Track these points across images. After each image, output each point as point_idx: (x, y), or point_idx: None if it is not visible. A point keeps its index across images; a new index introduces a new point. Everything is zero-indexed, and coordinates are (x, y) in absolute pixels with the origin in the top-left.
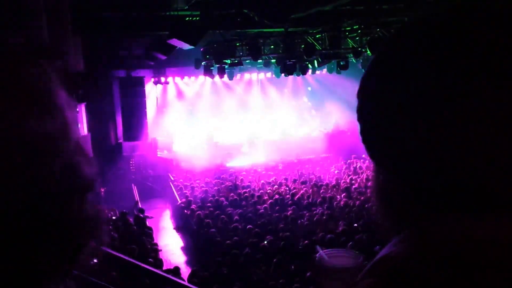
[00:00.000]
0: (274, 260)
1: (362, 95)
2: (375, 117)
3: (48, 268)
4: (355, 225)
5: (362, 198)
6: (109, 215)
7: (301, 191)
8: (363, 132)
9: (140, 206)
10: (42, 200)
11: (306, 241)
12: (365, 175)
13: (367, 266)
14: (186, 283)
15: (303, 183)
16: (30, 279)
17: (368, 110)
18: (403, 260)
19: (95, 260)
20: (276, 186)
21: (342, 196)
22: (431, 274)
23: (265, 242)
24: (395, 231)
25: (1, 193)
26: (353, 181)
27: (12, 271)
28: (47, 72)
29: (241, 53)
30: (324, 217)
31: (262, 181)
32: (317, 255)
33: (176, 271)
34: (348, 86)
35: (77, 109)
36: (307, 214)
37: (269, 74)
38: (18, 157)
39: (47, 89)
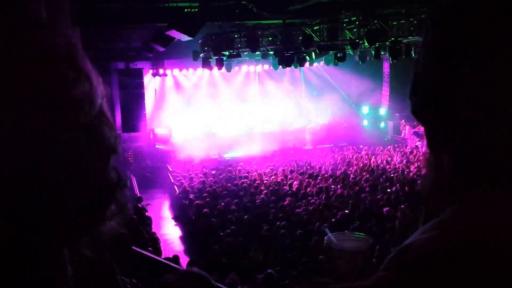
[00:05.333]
0: (271, 249)
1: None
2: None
3: (70, 228)
4: (346, 211)
5: (357, 188)
6: None
7: (298, 182)
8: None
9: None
10: (65, 160)
11: (301, 231)
12: (360, 165)
13: (391, 254)
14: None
15: (300, 173)
16: (54, 237)
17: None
18: (423, 254)
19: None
20: (273, 177)
21: (338, 186)
22: (449, 272)
23: (262, 231)
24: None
25: (26, 152)
26: (348, 172)
27: (34, 229)
28: (73, 41)
29: (239, 45)
30: (320, 207)
31: (259, 172)
32: (325, 237)
33: (175, 259)
34: (345, 78)
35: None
36: (303, 204)
37: (266, 66)
38: (53, 117)
39: (75, 56)
